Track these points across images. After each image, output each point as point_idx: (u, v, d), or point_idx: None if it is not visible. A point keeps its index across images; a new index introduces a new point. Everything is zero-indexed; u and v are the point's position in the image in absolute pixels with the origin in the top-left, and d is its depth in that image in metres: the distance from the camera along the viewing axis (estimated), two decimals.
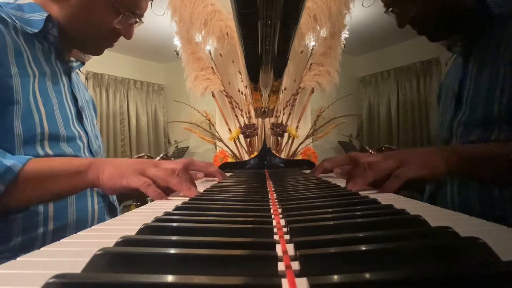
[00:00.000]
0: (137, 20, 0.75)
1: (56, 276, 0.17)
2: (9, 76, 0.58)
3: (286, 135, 2.35)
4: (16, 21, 0.63)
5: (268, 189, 0.62)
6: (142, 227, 0.29)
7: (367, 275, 0.17)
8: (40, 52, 0.67)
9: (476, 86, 0.69)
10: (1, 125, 0.57)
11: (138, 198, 0.72)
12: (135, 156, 3.95)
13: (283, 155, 2.35)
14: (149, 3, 0.78)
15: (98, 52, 0.77)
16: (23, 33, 0.64)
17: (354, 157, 0.63)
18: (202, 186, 0.67)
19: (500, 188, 0.64)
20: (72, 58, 0.80)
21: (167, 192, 0.58)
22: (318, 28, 2.28)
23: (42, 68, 0.66)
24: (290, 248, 0.24)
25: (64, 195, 0.62)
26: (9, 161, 0.51)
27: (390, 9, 0.77)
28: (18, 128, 0.58)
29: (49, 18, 0.66)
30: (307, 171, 1.08)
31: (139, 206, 0.50)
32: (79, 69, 0.84)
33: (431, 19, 0.72)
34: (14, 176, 0.51)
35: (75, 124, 0.72)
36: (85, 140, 0.74)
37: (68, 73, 0.75)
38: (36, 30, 0.64)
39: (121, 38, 0.77)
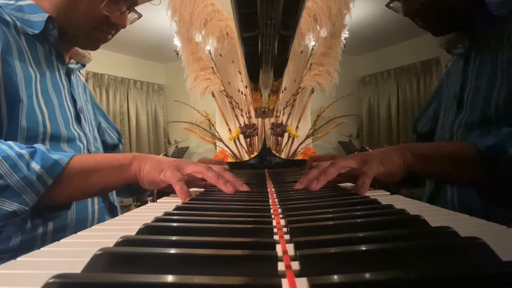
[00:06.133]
0: (129, 9, 0.71)
1: (56, 276, 0.17)
2: (15, 74, 0.59)
3: (286, 135, 2.35)
4: (17, 21, 0.63)
5: (268, 189, 0.62)
6: (142, 227, 0.29)
7: (367, 275, 0.17)
8: (41, 53, 0.67)
9: (475, 87, 0.69)
10: (9, 122, 0.57)
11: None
12: None
13: (283, 155, 2.35)
14: None
15: (93, 45, 0.75)
16: (24, 34, 0.64)
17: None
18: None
19: (459, 187, 0.65)
20: (72, 60, 0.80)
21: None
22: (318, 28, 2.28)
23: (42, 69, 0.66)
24: (290, 248, 0.24)
25: (107, 189, 0.63)
26: (56, 155, 0.51)
27: None
28: (22, 126, 0.59)
29: (49, 19, 0.65)
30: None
31: (139, 206, 0.50)
32: (79, 71, 0.84)
33: (438, 9, 0.71)
34: (61, 170, 0.50)
35: (74, 125, 0.71)
36: (84, 142, 0.74)
37: (68, 74, 0.75)
38: (37, 31, 0.64)
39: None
